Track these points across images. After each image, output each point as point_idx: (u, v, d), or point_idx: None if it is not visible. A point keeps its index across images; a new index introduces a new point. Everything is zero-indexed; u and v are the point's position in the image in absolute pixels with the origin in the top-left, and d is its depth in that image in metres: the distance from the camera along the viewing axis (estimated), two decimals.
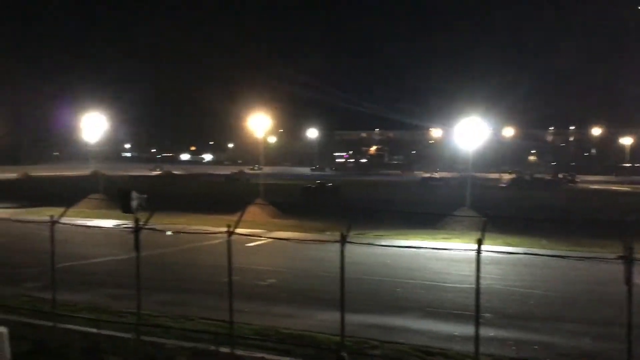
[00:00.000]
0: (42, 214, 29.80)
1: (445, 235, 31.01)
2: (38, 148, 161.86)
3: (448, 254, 21.96)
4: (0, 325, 12.05)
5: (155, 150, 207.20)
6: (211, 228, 27.79)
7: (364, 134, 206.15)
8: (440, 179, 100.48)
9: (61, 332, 13.07)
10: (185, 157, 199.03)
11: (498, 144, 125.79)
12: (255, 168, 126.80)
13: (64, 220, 14.07)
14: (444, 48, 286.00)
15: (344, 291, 10.83)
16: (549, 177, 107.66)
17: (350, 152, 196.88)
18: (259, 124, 47.57)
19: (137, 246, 12.53)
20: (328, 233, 28.71)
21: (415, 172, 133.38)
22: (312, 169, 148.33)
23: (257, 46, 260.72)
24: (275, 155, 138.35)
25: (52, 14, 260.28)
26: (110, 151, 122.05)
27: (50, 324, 13.55)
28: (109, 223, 33.57)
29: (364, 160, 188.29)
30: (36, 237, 21.54)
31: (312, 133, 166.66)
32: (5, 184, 76.42)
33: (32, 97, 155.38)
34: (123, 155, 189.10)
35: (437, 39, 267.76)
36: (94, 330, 12.68)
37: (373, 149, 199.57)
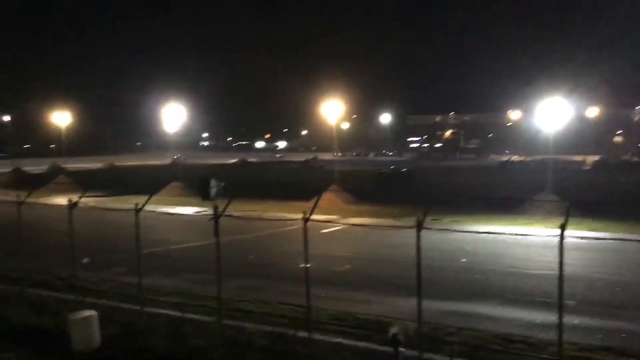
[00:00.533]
0: (127, 202, 31.03)
1: (526, 221, 30.10)
2: (122, 139, 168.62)
3: (529, 239, 21.35)
4: (90, 309, 12.74)
5: (231, 138, 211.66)
6: (287, 215, 28.22)
7: (438, 118, 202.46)
8: (520, 162, 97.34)
9: (147, 315, 13.64)
10: (260, 144, 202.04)
11: (581, 124, 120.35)
12: (336, 155, 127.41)
13: (147, 208, 14.62)
14: (523, 27, 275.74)
15: (421, 277, 10.72)
16: (637, 159, 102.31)
17: (425, 136, 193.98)
18: (332, 111, 47.63)
19: (216, 232, 12.84)
20: (403, 219, 28.49)
21: (493, 156, 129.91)
22: (390, 154, 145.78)
23: (330, 33, 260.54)
24: (348, 142, 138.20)
25: (132, 11, 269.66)
26: (189, 140, 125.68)
27: (137, 307, 14.14)
28: (189, 210, 34.62)
29: (438, 145, 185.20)
30: (122, 224, 22.52)
31: (385, 118, 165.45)
32: (91, 174, 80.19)
33: (117, 90, 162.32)
34: (201, 144, 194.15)
35: (515, 18, 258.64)
36: (178, 314, 13.16)
37: (448, 133, 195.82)
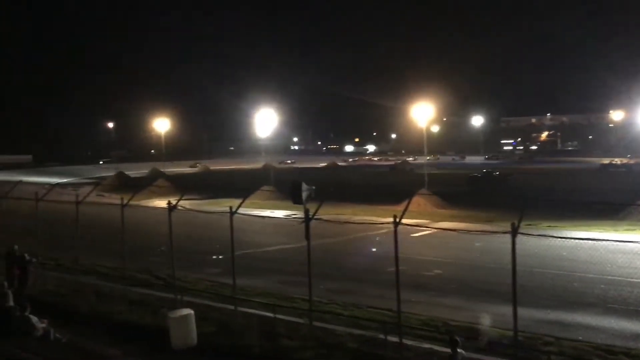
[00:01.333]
0: (221, 205, 32.08)
1: (629, 227, 28.44)
2: (216, 143, 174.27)
3: (632, 246, 20.14)
4: (187, 308, 13.26)
5: (320, 142, 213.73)
6: (376, 218, 28.07)
7: (533, 120, 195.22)
8: (623, 165, 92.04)
9: (241, 315, 14.03)
10: (349, 148, 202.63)
11: None
12: (432, 158, 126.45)
13: (240, 210, 15.05)
14: (626, 21, 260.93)
15: (516, 284, 10.40)
16: None
17: (519, 139, 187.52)
18: (422, 114, 47.09)
19: (307, 236, 13.04)
20: (496, 223, 27.71)
21: (593, 159, 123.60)
22: (486, 158, 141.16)
23: (420, 35, 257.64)
24: (438, 145, 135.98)
25: (227, 20, 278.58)
26: (279, 145, 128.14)
27: (231, 307, 14.59)
28: (279, 213, 35.29)
29: (534, 147, 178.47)
30: (216, 226, 23.27)
31: (477, 120, 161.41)
32: (187, 177, 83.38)
33: (209, 96, 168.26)
34: (292, 148, 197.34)
35: (617, 10, 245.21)
36: (270, 314, 13.44)
37: (544, 135, 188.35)
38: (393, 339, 11.73)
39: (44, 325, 12.58)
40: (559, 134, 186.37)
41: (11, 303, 13.07)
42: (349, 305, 15.19)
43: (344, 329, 12.90)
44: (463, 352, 9.80)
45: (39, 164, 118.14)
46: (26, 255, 16.30)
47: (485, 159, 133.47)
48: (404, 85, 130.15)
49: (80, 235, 19.23)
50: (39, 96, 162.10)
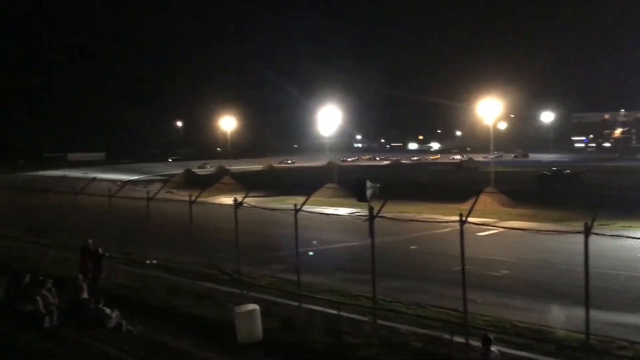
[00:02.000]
0: (285, 202, 32.41)
1: None
2: (280, 141, 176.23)
3: None
4: (253, 303, 13.48)
5: (384, 140, 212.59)
6: (441, 217, 27.74)
7: (606, 116, 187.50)
8: None
9: (305, 311, 14.14)
10: (413, 146, 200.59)
11: None
12: (519, 155, 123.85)
13: (304, 208, 15.16)
14: None
15: (588, 286, 10.04)
16: None
17: (591, 136, 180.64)
18: (489, 110, 46.09)
19: (371, 234, 13.01)
20: (566, 223, 26.81)
21: None
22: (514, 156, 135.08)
23: (489, 29, 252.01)
24: (505, 142, 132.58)
25: (292, 20, 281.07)
26: (342, 142, 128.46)
27: (295, 303, 14.72)
28: (343, 211, 35.31)
29: (607, 145, 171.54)
30: (280, 223, 23.53)
31: (547, 117, 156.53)
32: (252, 175, 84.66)
33: (276, 94, 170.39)
34: (355, 146, 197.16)
35: None
36: (333, 311, 13.48)
37: (618, 131, 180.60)
38: (459, 339, 11.55)
39: (116, 317, 13.08)
40: (633, 130, 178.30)
41: (85, 295, 13.64)
42: (413, 304, 15.05)
43: (408, 328, 12.79)
44: (496, 350, 9.69)
45: (111, 161, 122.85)
46: (100, 249, 16.96)
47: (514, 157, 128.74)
48: (470, 82, 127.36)
49: (151, 231, 19.82)
50: (113, 96, 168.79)
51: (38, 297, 12.46)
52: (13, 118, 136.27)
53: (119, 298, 15.18)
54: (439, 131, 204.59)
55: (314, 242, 23.31)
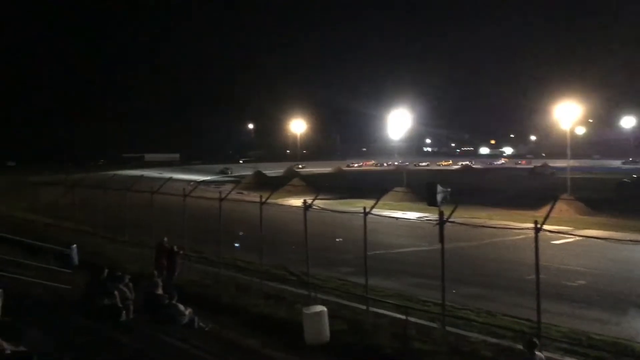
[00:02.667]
0: (354, 205, 32.44)
1: None
2: (349, 144, 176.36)
3: None
4: (320, 305, 13.55)
5: (454, 144, 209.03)
6: (513, 223, 27.05)
7: None
8: None
9: (372, 315, 14.09)
10: (484, 150, 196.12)
11: None
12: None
13: (373, 211, 15.10)
14: None
15: None
16: None
17: None
18: (566, 114, 44.56)
19: (441, 239, 12.81)
20: None
21: None
22: (623, 162, 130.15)
23: (567, 30, 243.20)
24: (583, 147, 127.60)
25: (368, 21, 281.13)
26: (412, 146, 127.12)
27: (362, 306, 14.69)
28: (412, 215, 34.98)
29: None
30: (348, 226, 23.54)
31: (628, 122, 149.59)
32: (321, 177, 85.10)
33: (343, 98, 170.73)
34: (424, 149, 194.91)
35: None
36: (401, 316, 13.36)
37: None
38: None
39: (189, 313, 13.45)
40: None
41: (160, 291, 14.10)
42: (484, 312, 14.72)
43: (478, 336, 12.52)
44: (542, 355, 9.49)
45: (185, 162, 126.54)
46: (174, 247, 17.48)
47: (622, 163, 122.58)
48: (547, 85, 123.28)
49: (222, 230, 20.23)
50: (188, 100, 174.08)
51: (116, 292, 12.97)
52: (94, 120, 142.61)
53: (191, 295, 15.60)
54: (512, 135, 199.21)
55: (379, 250, 23.12)
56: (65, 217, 27.76)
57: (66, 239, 22.47)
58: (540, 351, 9.65)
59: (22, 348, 7.01)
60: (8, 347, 6.73)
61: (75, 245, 20.03)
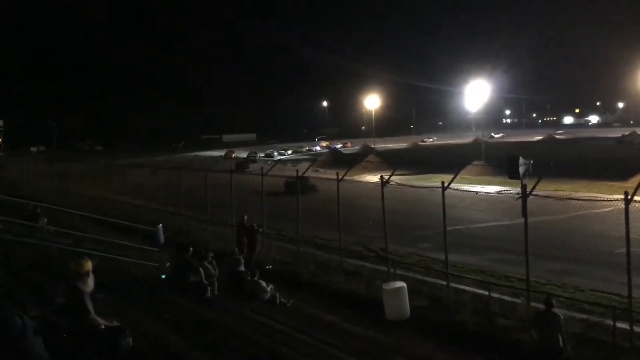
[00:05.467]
0: (431, 180, 31.97)
1: None
2: (424, 119, 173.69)
3: None
4: (399, 281, 13.52)
5: (535, 115, 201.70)
6: (601, 195, 25.86)
7: None
8: None
9: (453, 291, 13.91)
10: (568, 120, 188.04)
11: None
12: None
13: (452, 186, 14.83)
14: None
15: None
16: None
17: None
18: None
19: (525, 212, 12.44)
20: None
21: None
22: None
23: None
24: None
25: None
26: (490, 118, 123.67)
27: (442, 282, 14.53)
28: (492, 189, 34.11)
29: None
30: (425, 201, 23.26)
31: None
32: (397, 153, 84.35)
33: (419, 71, 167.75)
34: (503, 121, 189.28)
35: None
36: (483, 292, 13.13)
37: None
38: (622, 325, 10.77)
39: (270, 290, 13.75)
40: None
41: (242, 268, 14.48)
42: (570, 287, 14.25)
43: (565, 312, 12.11)
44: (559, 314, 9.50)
45: (261, 142, 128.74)
46: (254, 225, 17.87)
47: None
48: (635, 47, 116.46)
49: (300, 208, 20.47)
50: (263, 81, 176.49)
51: (201, 269, 13.42)
52: (175, 104, 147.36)
53: (272, 272, 15.93)
54: (597, 103, 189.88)
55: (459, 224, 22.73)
56: (151, 198, 28.88)
57: (152, 219, 23.40)
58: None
59: (115, 323, 7.38)
60: (102, 322, 7.10)
61: (161, 225, 20.83)
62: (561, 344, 9.50)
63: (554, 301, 9.61)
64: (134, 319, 9.74)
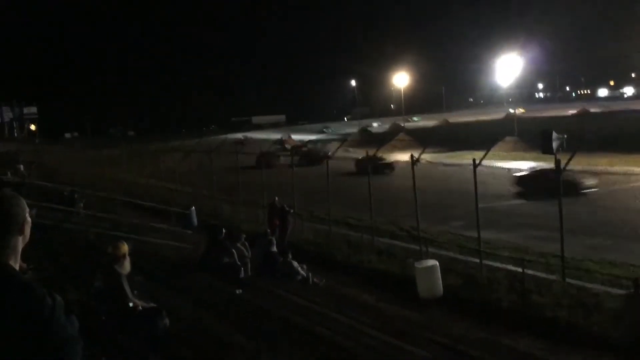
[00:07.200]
0: (462, 158, 31.68)
1: None
2: (455, 95, 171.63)
3: None
4: (432, 259, 13.45)
5: (569, 88, 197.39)
6: (637, 169, 25.35)
7: None
8: None
9: (486, 268, 13.80)
10: (602, 92, 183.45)
11: None
12: None
13: (484, 162, 14.65)
14: None
15: None
16: None
17: None
18: None
19: (559, 188, 12.24)
20: None
21: None
22: None
23: None
24: None
25: None
26: (522, 93, 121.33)
27: (475, 260, 14.42)
28: (525, 165, 33.66)
29: None
30: (457, 179, 23.07)
31: None
32: (427, 131, 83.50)
33: (447, 47, 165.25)
34: (536, 96, 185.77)
35: None
36: (517, 269, 13.00)
37: None
38: None
39: (303, 270, 13.84)
40: None
41: (274, 249, 14.58)
42: (607, 263, 14.02)
43: (601, 288, 11.96)
44: None
45: (291, 123, 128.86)
46: (285, 206, 17.95)
47: None
48: None
49: (331, 188, 20.49)
50: (291, 62, 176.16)
51: (234, 251, 13.56)
52: (204, 88, 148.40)
53: (305, 252, 16.01)
54: (633, 75, 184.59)
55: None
56: (184, 181, 29.22)
57: (186, 202, 23.70)
58: None
59: (152, 304, 7.52)
60: (140, 304, 7.25)
61: (193, 208, 21.08)
62: None
63: None
64: (170, 301, 9.92)
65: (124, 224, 16.84)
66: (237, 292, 11.97)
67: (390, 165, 29.16)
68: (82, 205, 18.89)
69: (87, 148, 57.60)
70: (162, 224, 18.56)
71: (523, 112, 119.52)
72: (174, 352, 7.41)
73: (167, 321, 7.22)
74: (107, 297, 7.28)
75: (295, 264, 13.95)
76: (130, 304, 7.16)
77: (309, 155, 26.98)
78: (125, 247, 7.50)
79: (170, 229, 17.96)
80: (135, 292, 7.45)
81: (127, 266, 7.38)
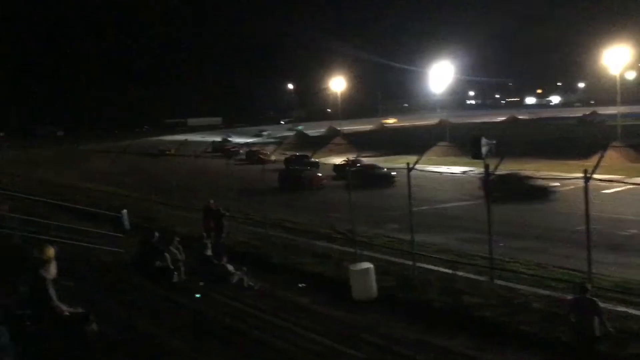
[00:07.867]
0: (397, 162, 32.22)
1: None
2: (390, 101, 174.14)
3: None
4: (367, 262, 13.61)
5: (498, 96, 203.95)
6: (562, 173, 26.47)
7: None
8: None
9: (420, 270, 14.08)
10: (530, 100, 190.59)
11: None
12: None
13: (417, 167, 14.94)
14: None
15: None
16: None
17: None
18: (616, 58, 42.86)
19: (487, 192, 12.65)
20: None
21: None
22: None
23: None
24: (634, 93, 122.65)
25: None
26: (454, 100, 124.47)
27: (409, 262, 14.67)
28: (457, 169, 34.60)
29: None
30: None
31: None
32: (363, 135, 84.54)
33: (383, 54, 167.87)
34: (467, 103, 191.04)
35: None
36: (449, 271, 13.33)
37: None
38: None
39: (238, 273, 13.73)
40: None
41: (209, 252, 14.40)
42: (533, 264, 14.56)
43: (528, 289, 12.41)
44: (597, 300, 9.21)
45: (228, 125, 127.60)
46: (220, 209, 17.74)
47: None
48: (594, 28, 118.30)
49: (267, 191, 20.41)
50: (228, 63, 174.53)
51: (167, 254, 13.31)
52: (135, 86, 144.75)
53: (241, 255, 15.88)
54: (559, 84, 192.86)
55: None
56: (116, 183, 28.47)
57: (117, 204, 23.08)
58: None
59: (79, 309, 7.30)
60: (66, 309, 7.02)
61: (125, 210, 20.56)
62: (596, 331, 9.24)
63: (589, 286, 9.52)
64: (101, 305, 9.65)
65: (53, 227, 16.25)
66: (196, 296, 11.85)
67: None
68: (7, 207, 18.09)
69: (13, 148, 55.20)
70: (93, 227, 18.02)
71: (395, 122, 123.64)
72: (107, 357, 7.21)
73: (94, 326, 7.02)
74: (32, 303, 7.01)
75: (230, 266, 13.83)
76: (56, 309, 6.92)
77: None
78: (51, 251, 7.23)
79: (102, 232, 17.45)
80: (62, 296, 7.22)
81: (53, 270, 7.12)
